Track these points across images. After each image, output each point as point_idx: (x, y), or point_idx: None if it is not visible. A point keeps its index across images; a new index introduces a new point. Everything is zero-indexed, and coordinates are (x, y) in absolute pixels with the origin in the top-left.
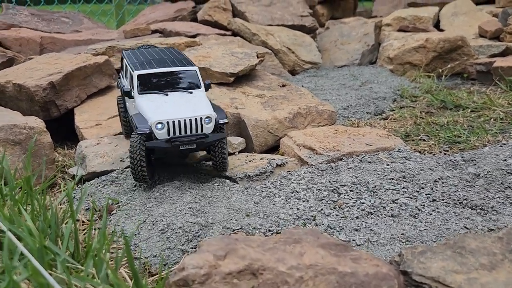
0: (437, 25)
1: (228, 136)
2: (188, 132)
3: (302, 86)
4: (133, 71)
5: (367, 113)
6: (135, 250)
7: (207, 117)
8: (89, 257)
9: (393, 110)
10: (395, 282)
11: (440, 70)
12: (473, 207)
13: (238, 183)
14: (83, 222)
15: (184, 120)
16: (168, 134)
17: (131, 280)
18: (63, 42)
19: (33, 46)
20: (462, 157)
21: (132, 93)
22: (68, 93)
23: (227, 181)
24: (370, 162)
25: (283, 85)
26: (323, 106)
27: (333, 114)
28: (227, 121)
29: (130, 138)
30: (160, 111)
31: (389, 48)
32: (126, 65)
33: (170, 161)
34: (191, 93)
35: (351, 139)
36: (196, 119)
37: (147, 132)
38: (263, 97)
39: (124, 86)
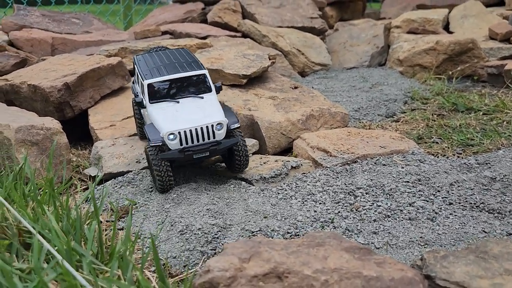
0: (446, 27)
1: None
2: (200, 140)
3: (313, 87)
4: (143, 80)
5: (378, 115)
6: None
7: (218, 124)
8: (114, 258)
9: (404, 112)
10: (421, 287)
11: (451, 73)
12: (490, 210)
13: (254, 185)
14: (100, 222)
15: (196, 129)
16: (181, 144)
17: (155, 281)
18: (74, 43)
19: (45, 47)
20: (476, 160)
21: (144, 103)
22: (82, 94)
23: (243, 183)
24: (384, 165)
25: (295, 87)
26: (336, 108)
27: (345, 116)
28: (239, 125)
29: (147, 150)
30: (171, 121)
31: (399, 50)
32: (137, 72)
33: (184, 165)
34: (202, 98)
35: (365, 141)
36: (207, 126)
37: (160, 144)
38: (276, 99)
39: (137, 93)
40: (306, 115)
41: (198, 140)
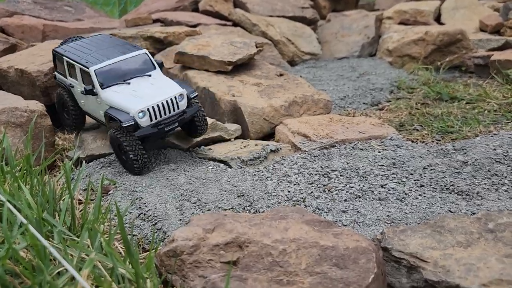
0: (438, 19)
1: (225, 122)
2: (167, 113)
3: (301, 76)
4: (87, 68)
5: (363, 103)
6: (129, 228)
7: (180, 95)
8: (85, 228)
9: (389, 101)
10: (373, 255)
11: (439, 63)
12: (459, 192)
13: (231, 167)
14: (80, 201)
15: (162, 103)
16: (151, 120)
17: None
18: (65, 30)
19: (36, 34)
20: (453, 146)
21: (95, 90)
22: None
23: (221, 165)
24: (362, 149)
25: (281, 75)
26: (319, 95)
27: (328, 103)
28: (197, 94)
29: (114, 135)
30: (135, 100)
31: (388, 40)
32: (67, 62)
33: (150, 147)
34: (150, 76)
35: (345, 127)
36: (171, 99)
37: (132, 123)
38: (260, 85)
39: (70, 84)
40: (289, 101)
41: (165, 113)
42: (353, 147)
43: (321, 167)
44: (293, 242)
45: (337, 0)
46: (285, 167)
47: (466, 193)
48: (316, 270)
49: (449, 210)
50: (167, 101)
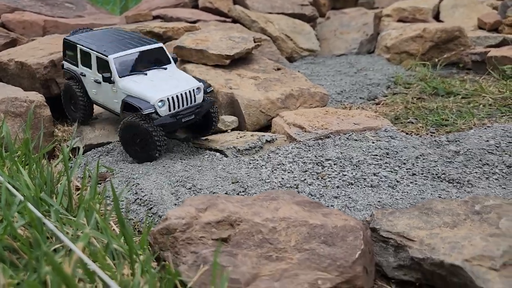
0: (437, 17)
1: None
2: (185, 105)
3: (298, 71)
4: (106, 56)
5: (360, 98)
6: (126, 212)
7: (197, 88)
8: (81, 208)
9: (386, 96)
10: (361, 233)
11: (437, 60)
12: (450, 180)
13: (227, 156)
14: (77, 187)
15: (181, 94)
16: (169, 110)
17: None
18: (66, 26)
19: (36, 29)
20: (447, 138)
21: (112, 78)
22: None
23: (217, 154)
24: (356, 140)
25: (278, 69)
26: (316, 89)
27: (325, 96)
28: (212, 89)
29: (134, 121)
30: (155, 89)
31: (387, 37)
32: (81, 50)
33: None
34: (165, 69)
35: (340, 119)
36: (190, 91)
37: (153, 111)
38: (258, 79)
39: (82, 73)
40: (285, 94)
41: (183, 105)
42: (347, 138)
43: (315, 156)
44: (283, 221)
45: None
46: (279, 156)
47: (457, 181)
48: (305, 247)
49: (439, 197)
50: (185, 93)
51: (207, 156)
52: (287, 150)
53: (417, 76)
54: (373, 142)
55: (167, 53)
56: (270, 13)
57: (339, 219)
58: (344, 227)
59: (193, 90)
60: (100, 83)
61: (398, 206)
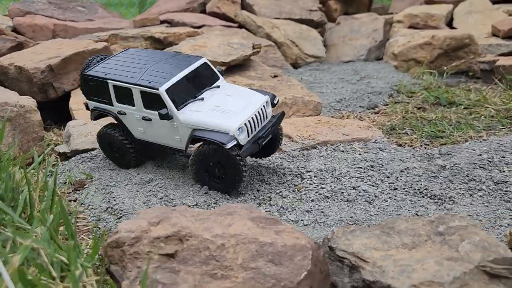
0: (450, 24)
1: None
2: (260, 125)
3: (301, 78)
4: (156, 89)
5: (360, 106)
6: (97, 222)
7: (266, 102)
8: (36, 218)
9: (387, 104)
10: (310, 253)
11: (445, 68)
12: (432, 196)
13: None
14: (31, 190)
15: (255, 115)
16: (247, 136)
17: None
18: (75, 30)
19: (46, 33)
20: (439, 150)
21: (169, 113)
22: (65, 77)
23: None
24: (343, 151)
25: (275, 76)
26: (310, 97)
27: (318, 105)
28: (278, 99)
29: (228, 154)
30: (227, 116)
31: (394, 44)
32: (115, 86)
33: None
34: (218, 87)
35: (330, 129)
36: (261, 108)
37: (235, 143)
38: (252, 86)
39: (120, 111)
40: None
41: (259, 125)
42: (334, 149)
43: (297, 167)
44: (233, 237)
45: (349, 3)
46: (260, 166)
47: (438, 197)
48: (251, 266)
49: (416, 213)
50: (259, 112)
51: (187, 165)
52: (269, 160)
53: (423, 84)
54: (360, 154)
55: (213, 67)
56: (277, 18)
57: (291, 237)
58: (294, 246)
59: (264, 105)
60: (150, 120)
61: (371, 222)
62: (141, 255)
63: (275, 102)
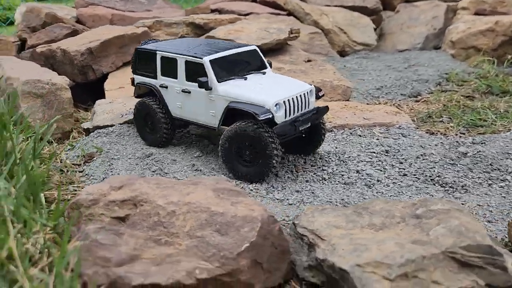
0: None
1: None
2: (301, 110)
3: (345, 66)
4: (200, 58)
5: (401, 94)
6: None
7: (310, 91)
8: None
9: (431, 93)
10: (258, 225)
11: (510, 56)
12: (443, 184)
13: (214, 144)
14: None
15: (297, 97)
16: (285, 116)
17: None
18: (131, 20)
19: (105, 22)
20: (473, 139)
21: (209, 84)
22: (104, 59)
23: (205, 140)
24: (360, 136)
25: (308, 60)
26: (339, 81)
27: (347, 89)
28: (324, 93)
29: (251, 128)
30: (267, 92)
31: (454, 31)
32: (163, 58)
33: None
34: (264, 73)
35: (353, 113)
36: (304, 94)
37: (270, 117)
38: (282, 70)
39: (162, 84)
40: None
41: (299, 110)
42: (351, 133)
43: None
44: (185, 205)
45: None
46: None
47: (450, 185)
48: (197, 234)
49: None
50: (301, 96)
51: (194, 142)
52: None
53: (479, 73)
54: (377, 139)
55: (262, 56)
56: (328, 5)
57: (246, 209)
58: (244, 217)
59: (307, 93)
60: (189, 92)
61: None
62: (94, 217)
63: (320, 95)
